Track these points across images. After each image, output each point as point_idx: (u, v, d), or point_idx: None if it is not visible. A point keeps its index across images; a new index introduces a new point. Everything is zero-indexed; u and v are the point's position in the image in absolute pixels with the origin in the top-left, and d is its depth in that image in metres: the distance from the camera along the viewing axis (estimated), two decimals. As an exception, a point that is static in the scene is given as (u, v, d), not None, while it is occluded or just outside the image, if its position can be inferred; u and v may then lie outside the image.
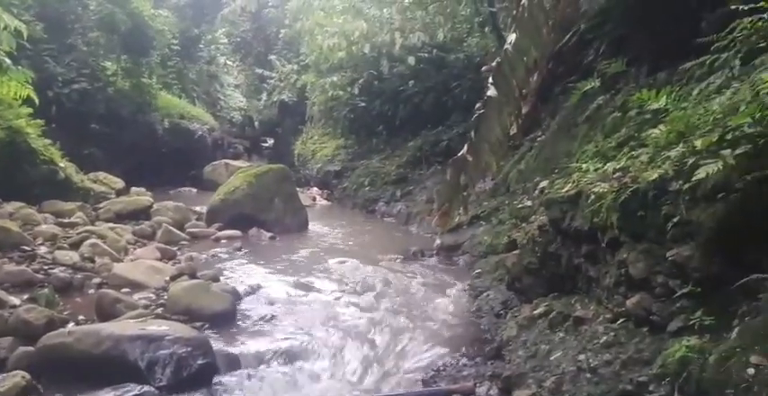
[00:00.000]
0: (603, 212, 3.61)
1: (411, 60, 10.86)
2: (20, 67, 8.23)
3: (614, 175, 3.84)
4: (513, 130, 3.40)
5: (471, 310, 5.77)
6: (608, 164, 4.10)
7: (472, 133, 3.30)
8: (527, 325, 4.37)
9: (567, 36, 8.31)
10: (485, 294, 5.86)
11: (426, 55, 12.24)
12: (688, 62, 4.71)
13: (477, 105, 3.24)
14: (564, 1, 3.29)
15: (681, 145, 3.33)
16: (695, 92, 4.00)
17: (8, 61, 7.81)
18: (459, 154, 3.26)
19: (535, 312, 4.36)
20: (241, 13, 16.33)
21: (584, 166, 4.28)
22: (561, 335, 3.91)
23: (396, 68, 12.40)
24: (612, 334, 3.45)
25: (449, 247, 8.18)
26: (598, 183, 3.85)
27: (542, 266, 4.58)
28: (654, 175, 3.33)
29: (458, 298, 6.21)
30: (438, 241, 8.24)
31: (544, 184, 6.44)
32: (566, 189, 4.33)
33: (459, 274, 7.13)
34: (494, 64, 3.25)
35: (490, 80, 3.17)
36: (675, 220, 3.14)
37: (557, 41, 8.77)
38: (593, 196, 3.77)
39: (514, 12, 3.45)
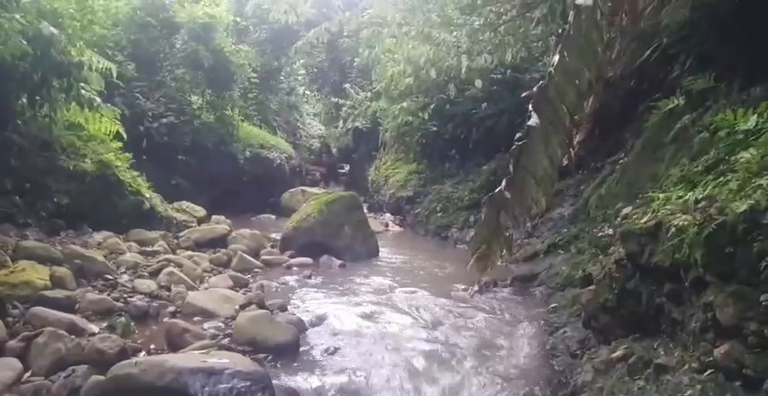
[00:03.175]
0: (685, 248, 3.23)
1: (478, 83, 10.63)
2: (109, 105, 8.77)
3: (698, 206, 3.45)
4: (565, 162, 3.10)
5: (546, 348, 5.39)
6: (692, 191, 3.71)
7: (510, 167, 3.03)
8: (604, 369, 3.98)
9: (648, 51, 7.85)
10: (560, 331, 5.46)
11: (499, 76, 11.98)
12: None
13: (518, 136, 2.97)
14: (628, 14, 2.98)
15: (776, 171, 2.93)
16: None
17: (98, 100, 8.34)
18: (497, 190, 2.99)
19: (613, 356, 3.97)
20: (317, 45, 16.76)
21: (660, 195, 3.89)
22: (641, 383, 3.50)
23: (468, 91, 12.19)
24: (699, 387, 3.02)
25: (524, 278, 7.78)
26: (679, 214, 3.47)
27: (620, 305, 4.18)
28: (743, 205, 2.94)
29: (532, 334, 5.83)
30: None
31: (627, 210, 5.99)
32: (644, 220, 3.95)
33: (534, 307, 6.74)
34: (535, 89, 2.98)
35: (531, 107, 2.90)
36: (770, 258, 2.73)
37: (636, 57, 8.34)
38: (673, 229, 3.39)
39: (560, 30, 3.20)
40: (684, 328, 3.42)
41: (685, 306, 3.45)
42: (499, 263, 3.39)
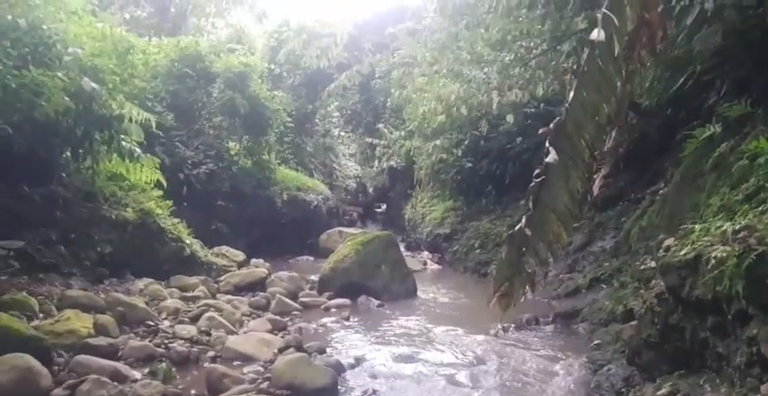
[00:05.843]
0: (726, 280, 3.11)
1: (510, 118, 10.63)
2: (148, 155, 9.09)
3: (738, 235, 3.34)
4: (590, 196, 3.03)
5: (591, 386, 5.20)
6: (730, 221, 3.60)
7: (530, 204, 2.99)
8: (650, 408, 3.81)
9: (683, 79, 7.76)
10: (605, 368, 5.26)
11: (532, 110, 11.96)
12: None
13: (536, 172, 2.94)
14: (647, 47, 2.95)
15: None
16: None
17: (138, 150, 8.65)
18: (517, 228, 2.95)
19: (659, 393, 3.79)
20: (349, 87, 17.14)
21: (697, 227, 3.77)
22: (689, 423, 3.33)
23: (501, 126, 12.20)
24: (747, 426, 2.86)
25: (567, 314, 7.57)
26: (718, 245, 3.36)
27: (664, 340, 4.02)
28: (783, 235, 2.84)
29: (576, 372, 5.64)
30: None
31: (669, 242, 5.84)
32: (683, 252, 3.82)
33: (577, 344, 6.53)
34: (552, 126, 2.97)
35: (548, 144, 2.88)
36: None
37: (671, 85, 8.24)
38: (713, 261, 3.27)
39: (575, 66, 3.20)
40: (730, 363, 3.26)
41: (730, 340, 3.30)
42: (522, 300, 3.30)
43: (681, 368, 3.88)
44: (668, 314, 4.00)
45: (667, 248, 5.19)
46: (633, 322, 4.61)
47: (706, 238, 3.62)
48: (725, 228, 3.40)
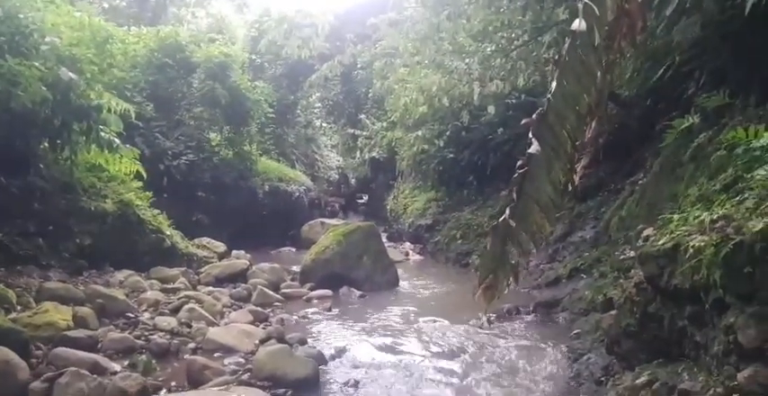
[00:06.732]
0: (704, 269, 3.15)
1: (491, 109, 10.65)
2: (128, 146, 8.96)
3: (716, 225, 3.38)
4: (572, 186, 3.04)
5: (570, 375, 5.26)
6: (708, 211, 3.64)
7: (513, 195, 3.00)
8: (629, 396, 3.86)
9: (662, 70, 7.82)
10: (585, 357, 5.33)
11: (513, 101, 11.99)
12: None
13: (519, 163, 2.95)
14: (627, 38, 2.97)
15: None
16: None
17: (117, 141, 8.51)
18: (501, 219, 2.96)
19: (637, 382, 3.84)
20: (331, 77, 17.02)
21: (675, 216, 3.82)
22: (666, 411, 3.39)
23: (483, 117, 12.23)
24: (724, 413, 2.91)
25: (547, 304, 7.64)
26: (696, 234, 3.40)
27: (642, 329, 4.08)
28: (759, 224, 2.87)
29: (556, 361, 5.70)
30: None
31: (648, 232, 5.91)
32: (662, 242, 3.87)
33: (557, 333, 6.59)
34: (534, 116, 2.97)
35: (530, 135, 2.89)
36: (790, 278, 2.65)
37: (650, 76, 8.31)
38: (691, 250, 3.31)
39: (556, 56, 3.21)
40: (708, 352, 3.31)
41: (707, 329, 3.35)
42: (506, 292, 3.31)
43: (659, 357, 3.93)
44: (647, 303, 4.05)
45: (646, 238, 5.25)
46: (612, 311, 4.67)
47: (684, 228, 3.66)
48: (703, 217, 3.44)
